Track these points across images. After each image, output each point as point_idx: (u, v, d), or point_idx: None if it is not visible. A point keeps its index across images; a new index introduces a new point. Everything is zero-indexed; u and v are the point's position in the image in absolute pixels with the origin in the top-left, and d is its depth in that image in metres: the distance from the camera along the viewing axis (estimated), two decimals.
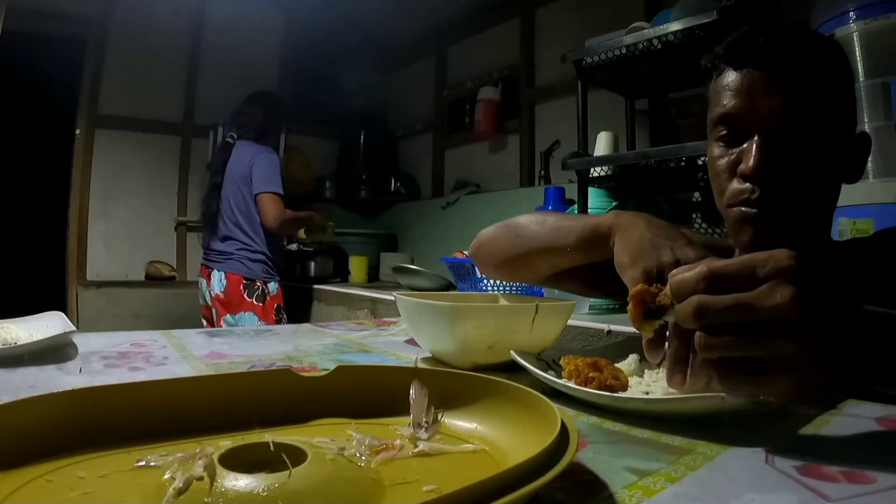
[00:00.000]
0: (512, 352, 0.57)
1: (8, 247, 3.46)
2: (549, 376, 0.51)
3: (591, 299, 1.49)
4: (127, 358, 0.68)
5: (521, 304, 0.65)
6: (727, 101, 0.62)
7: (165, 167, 3.13)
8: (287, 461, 0.29)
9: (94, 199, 2.94)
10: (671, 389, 0.48)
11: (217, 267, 2.21)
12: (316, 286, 2.73)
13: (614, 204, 1.79)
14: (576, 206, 1.79)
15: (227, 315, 2.17)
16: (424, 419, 0.40)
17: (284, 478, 0.28)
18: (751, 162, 0.59)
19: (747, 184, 0.60)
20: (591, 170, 1.77)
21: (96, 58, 2.92)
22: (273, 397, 0.41)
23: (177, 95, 3.16)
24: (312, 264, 3.00)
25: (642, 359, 0.56)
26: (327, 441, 0.35)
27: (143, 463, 0.32)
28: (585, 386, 0.48)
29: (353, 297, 2.40)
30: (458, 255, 2.17)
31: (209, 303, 2.25)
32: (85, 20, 2.89)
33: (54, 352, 0.67)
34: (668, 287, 0.39)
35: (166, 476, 0.29)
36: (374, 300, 2.24)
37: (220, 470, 0.28)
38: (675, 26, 1.48)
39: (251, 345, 0.80)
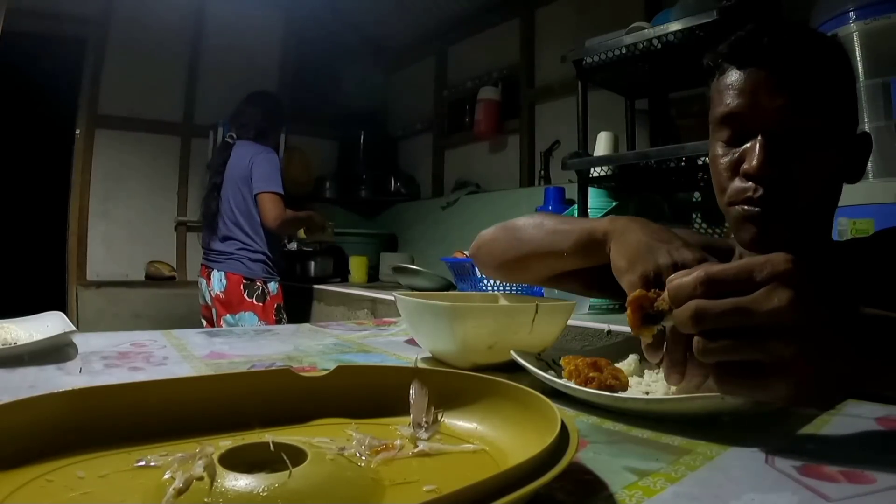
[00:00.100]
0: (512, 352, 0.57)
1: (8, 247, 3.46)
2: (549, 376, 0.51)
3: (591, 299, 1.49)
4: (127, 358, 0.68)
5: (521, 304, 0.65)
6: (730, 101, 0.62)
7: (165, 167, 3.13)
8: (287, 461, 0.29)
9: (94, 199, 2.94)
10: (671, 390, 0.48)
11: (217, 267, 2.21)
12: (316, 286, 2.73)
13: (614, 204, 1.79)
14: (576, 206, 1.79)
15: (227, 315, 2.17)
16: (424, 419, 0.40)
17: (284, 478, 0.28)
18: (754, 161, 0.59)
19: (750, 183, 0.60)
20: (591, 170, 1.77)
21: (96, 58, 2.92)
22: (273, 397, 0.41)
23: (177, 95, 3.16)
24: (312, 264, 3.00)
25: (642, 359, 0.56)
26: (327, 441, 0.35)
27: (143, 463, 0.32)
28: (585, 386, 0.48)
29: (353, 297, 2.40)
30: (458, 255, 2.17)
31: (209, 303, 2.25)
32: (85, 20, 2.89)
33: (54, 352, 0.67)
34: (665, 292, 0.39)
35: (166, 476, 0.29)
36: (374, 300, 2.24)
37: (220, 470, 0.28)
38: (675, 26, 1.48)
39: (251, 345, 0.80)
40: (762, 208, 0.60)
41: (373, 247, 3.28)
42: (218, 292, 2.18)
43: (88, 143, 2.91)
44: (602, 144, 1.84)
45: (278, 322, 2.19)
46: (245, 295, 2.16)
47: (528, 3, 2.77)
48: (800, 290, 0.34)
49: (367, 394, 0.42)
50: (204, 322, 2.32)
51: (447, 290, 2.32)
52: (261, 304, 2.18)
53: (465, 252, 2.18)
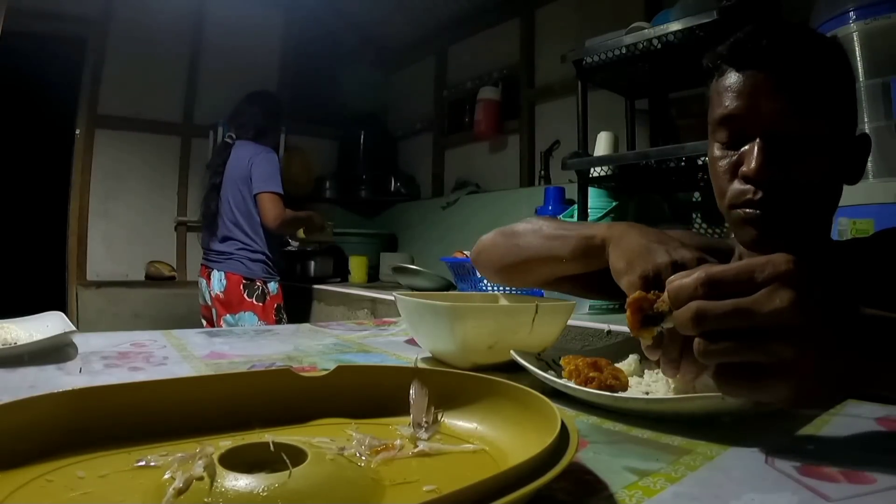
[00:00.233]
0: (512, 352, 0.57)
1: (8, 247, 3.46)
2: (549, 376, 0.51)
3: (591, 300, 1.49)
4: (127, 358, 0.68)
5: (521, 305, 0.65)
6: (729, 102, 0.62)
7: (165, 167, 3.13)
8: (287, 461, 0.29)
9: (94, 199, 2.94)
10: (671, 390, 0.48)
11: (217, 267, 2.21)
12: (316, 286, 2.73)
13: (614, 204, 1.79)
14: (576, 206, 1.79)
15: (227, 315, 2.17)
16: (424, 419, 0.40)
17: (284, 478, 0.28)
18: (753, 164, 0.59)
19: (748, 185, 0.60)
20: (591, 170, 1.77)
21: (96, 58, 2.92)
22: (273, 397, 0.41)
23: (177, 95, 3.16)
24: (312, 264, 3.00)
25: (642, 359, 0.56)
26: (327, 441, 0.35)
27: (143, 463, 0.32)
28: (585, 386, 0.48)
29: (353, 297, 2.40)
30: (458, 255, 2.17)
31: (209, 303, 2.25)
32: (85, 20, 2.89)
33: (54, 352, 0.67)
34: (665, 294, 0.39)
35: (166, 476, 0.29)
36: (374, 300, 2.24)
37: (220, 470, 0.28)
38: (675, 26, 1.48)
39: (251, 345, 0.80)
40: (762, 211, 0.60)
41: (373, 247, 3.28)
42: (218, 292, 2.18)
43: (88, 143, 2.91)
44: (602, 144, 1.84)
45: (278, 322, 2.19)
46: (245, 295, 2.16)
47: (528, 3, 2.77)
48: (801, 290, 0.34)
49: (367, 394, 0.42)
50: (204, 322, 2.32)
51: (447, 290, 2.32)
52: (261, 304, 2.18)
53: (465, 252, 2.18)
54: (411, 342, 0.86)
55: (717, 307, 0.35)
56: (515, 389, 0.39)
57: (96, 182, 2.94)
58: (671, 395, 0.48)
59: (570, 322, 0.71)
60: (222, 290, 2.18)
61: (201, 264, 2.33)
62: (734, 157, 0.62)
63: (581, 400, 0.49)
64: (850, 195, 0.98)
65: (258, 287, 2.18)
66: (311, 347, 0.79)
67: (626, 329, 0.43)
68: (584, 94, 1.76)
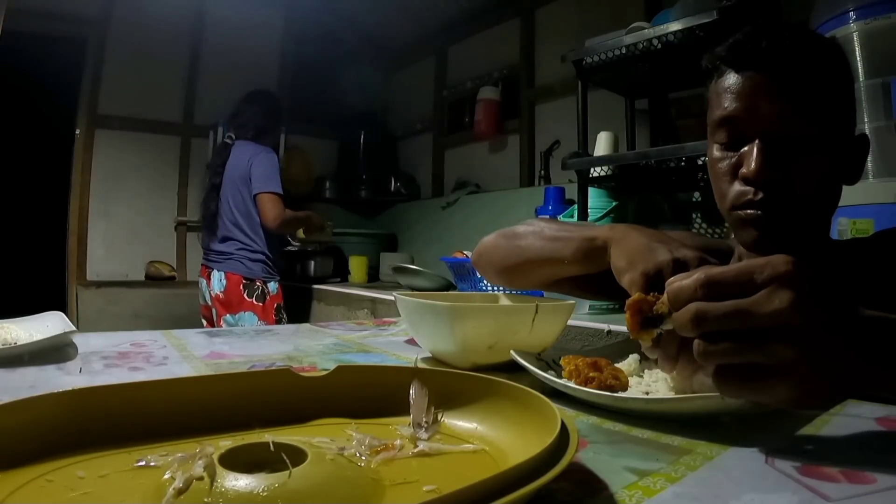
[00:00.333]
0: (512, 352, 0.57)
1: (8, 247, 3.46)
2: (549, 376, 0.51)
3: (591, 300, 1.49)
4: (127, 358, 0.68)
5: (521, 305, 0.65)
6: (728, 104, 0.62)
7: (165, 167, 3.13)
8: (287, 461, 0.29)
9: (94, 199, 2.94)
10: (671, 390, 0.48)
11: (217, 267, 2.21)
12: (316, 286, 2.73)
13: (614, 204, 1.79)
14: (576, 206, 1.79)
15: (227, 315, 2.17)
16: (424, 419, 0.40)
17: (284, 478, 0.28)
18: (752, 165, 0.59)
19: (748, 187, 0.60)
20: (591, 170, 1.77)
21: (96, 58, 2.92)
22: (273, 397, 0.41)
23: (177, 95, 3.16)
24: (312, 264, 3.00)
25: (642, 359, 0.56)
26: (327, 441, 0.35)
27: (143, 463, 0.32)
28: (585, 386, 0.48)
29: (353, 297, 2.40)
30: (458, 255, 2.17)
31: (209, 303, 2.25)
32: (85, 20, 2.89)
33: (54, 352, 0.67)
34: (665, 295, 0.39)
35: (166, 476, 0.29)
36: (374, 300, 2.24)
37: (220, 470, 0.28)
38: (675, 26, 1.48)
39: (251, 345, 0.80)
40: (762, 212, 0.60)
41: (373, 247, 3.28)
42: (218, 292, 2.18)
43: (88, 143, 2.91)
44: (602, 144, 1.84)
45: (278, 322, 2.19)
46: (245, 295, 2.16)
47: (528, 3, 2.77)
48: (800, 291, 0.34)
49: (367, 394, 0.42)
50: (204, 322, 2.32)
51: (447, 290, 2.32)
52: (261, 304, 2.18)
53: (464, 252, 2.18)
54: (411, 342, 0.86)
55: (717, 308, 0.35)
56: (515, 389, 0.39)
57: (96, 182, 2.94)
58: (671, 395, 0.48)
59: (570, 322, 0.71)
60: (222, 289, 2.18)
61: (201, 264, 2.33)
62: (734, 159, 0.62)
63: (581, 400, 0.49)
64: (850, 195, 0.98)
65: (258, 287, 2.18)
66: (311, 347, 0.79)
67: (626, 329, 0.43)
68: (584, 94, 1.76)
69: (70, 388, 0.35)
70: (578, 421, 0.46)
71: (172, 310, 2.94)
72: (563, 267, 0.70)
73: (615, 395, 0.47)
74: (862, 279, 0.62)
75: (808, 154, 0.59)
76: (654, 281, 0.53)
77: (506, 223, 0.84)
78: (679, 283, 0.38)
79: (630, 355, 0.57)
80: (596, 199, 1.79)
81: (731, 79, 0.62)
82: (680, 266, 0.53)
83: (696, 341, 0.36)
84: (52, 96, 3.09)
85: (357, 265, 2.99)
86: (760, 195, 0.60)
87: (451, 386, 0.42)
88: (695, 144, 1.45)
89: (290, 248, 2.84)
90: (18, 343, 0.68)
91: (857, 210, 1.18)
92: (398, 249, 3.49)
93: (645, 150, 1.71)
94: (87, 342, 0.76)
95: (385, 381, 0.43)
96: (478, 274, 1.98)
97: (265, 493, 0.26)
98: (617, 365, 0.54)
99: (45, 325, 0.78)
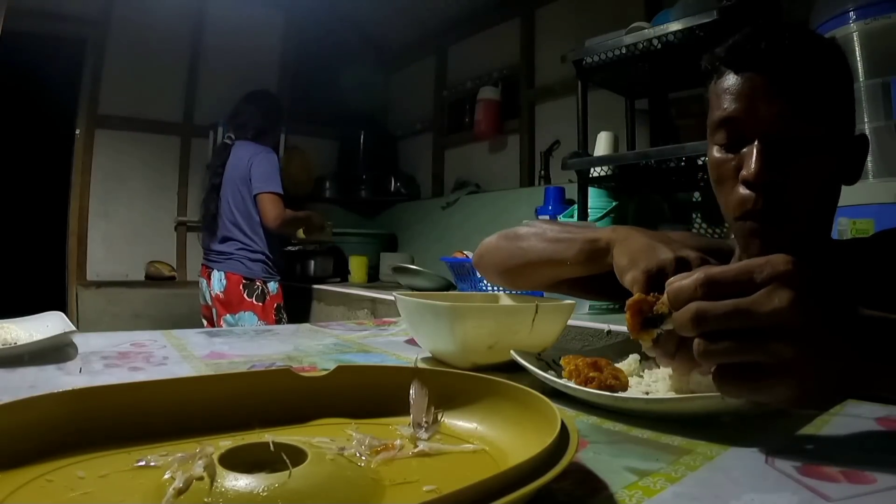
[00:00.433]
0: (512, 352, 0.57)
1: (8, 247, 3.46)
2: (549, 376, 0.51)
3: (592, 300, 1.49)
4: (127, 358, 0.68)
5: (521, 305, 0.65)
6: (728, 105, 0.61)
7: (165, 167, 3.13)
8: (287, 461, 0.29)
9: (94, 199, 2.93)
10: (671, 390, 0.48)
11: (217, 267, 2.21)
12: (316, 286, 2.73)
13: (614, 204, 1.79)
14: (576, 206, 1.79)
15: (227, 315, 2.17)
16: (424, 419, 0.40)
17: (284, 478, 0.28)
18: (752, 167, 0.59)
19: (749, 191, 0.60)
20: (591, 170, 1.77)
21: (96, 58, 2.92)
22: (273, 397, 0.41)
23: (177, 95, 3.15)
24: (312, 264, 3.00)
25: (642, 359, 0.56)
26: (327, 441, 0.35)
27: (143, 463, 0.32)
28: (585, 386, 0.48)
29: (352, 297, 2.40)
30: (458, 255, 2.17)
31: (210, 303, 2.25)
32: (85, 20, 2.89)
33: (54, 352, 0.67)
34: (665, 295, 0.39)
35: (166, 476, 0.29)
36: (374, 300, 2.24)
37: (220, 470, 0.28)
38: (675, 26, 1.48)
39: (251, 345, 0.80)
40: (764, 223, 0.60)
41: (373, 247, 3.28)
42: (218, 292, 2.18)
43: (88, 143, 2.91)
44: (602, 144, 1.84)
45: (278, 322, 2.19)
46: (245, 295, 2.16)
47: (528, 3, 2.76)
48: (800, 290, 0.34)
49: (367, 394, 0.42)
50: (205, 322, 2.32)
51: (447, 290, 2.32)
52: (260, 303, 2.18)
53: (465, 252, 2.18)
54: (411, 342, 0.86)
55: (717, 308, 0.35)
56: (515, 389, 0.39)
57: (96, 182, 2.94)
58: (671, 395, 0.48)
59: (570, 322, 0.71)
60: (222, 289, 2.18)
61: (202, 264, 2.33)
62: (734, 161, 0.62)
63: (581, 400, 0.49)
64: (850, 195, 0.98)
65: (258, 287, 2.18)
66: (311, 347, 0.79)
67: (626, 329, 0.43)
68: (584, 94, 1.76)
69: (70, 388, 0.35)
70: (578, 421, 0.46)
71: (172, 310, 2.94)
72: (566, 268, 0.70)
73: (615, 395, 0.47)
74: (862, 279, 0.62)
75: (809, 155, 0.59)
76: (655, 279, 0.53)
77: (506, 223, 0.85)
78: (679, 282, 0.38)
79: (630, 355, 0.57)
80: (596, 199, 1.79)
81: (731, 80, 0.62)
82: (682, 264, 0.53)
83: (696, 341, 0.36)
84: (52, 96, 3.09)
85: (357, 265, 2.99)
86: (761, 203, 0.60)
87: (451, 386, 0.42)
88: (695, 144, 1.45)
89: (288, 248, 2.84)
90: (18, 343, 0.68)
91: (857, 210, 1.18)
92: (398, 249, 3.49)
93: (645, 150, 1.71)
94: (87, 342, 0.76)
95: (385, 381, 0.43)
96: (478, 274, 1.98)
97: (265, 493, 0.26)
98: (617, 365, 0.54)
99: (45, 325, 0.78)
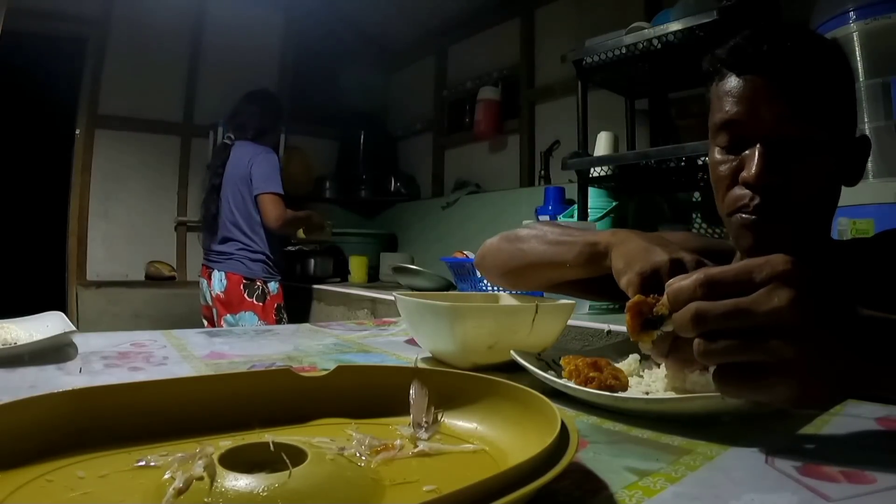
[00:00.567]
0: (512, 352, 0.57)
1: (8, 247, 3.46)
2: (549, 376, 0.51)
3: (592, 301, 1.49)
4: (127, 358, 0.68)
5: (521, 305, 0.65)
6: (729, 107, 0.62)
7: (165, 167, 3.13)
8: (287, 461, 0.29)
9: (94, 200, 2.93)
10: (671, 390, 0.48)
11: (217, 267, 2.21)
12: (316, 286, 2.73)
13: (614, 204, 1.79)
14: (576, 206, 1.79)
15: (228, 315, 2.17)
16: (424, 419, 0.40)
17: (284, 478, 0.28)
18: (753, 169, 0.59)
19: (747, 191, 0.60)
20: (591, 170, 1.77)
21: (96, 58, 2.92)
22: (273, 397, 0.41)
23: (177, 95, 3.15)
24: (312, 264, 3.00)
25: (642, 359, 0.56)
26: (327, 441, 0.35)
27: (143, 463, 0.32)
28: (585, 386, 0.48)
29: (353, 297, 2.40)
30: (458, 255, 2.17)
31: (210, 303, 2.25)
32: (85, 20, 2.89)
33: (54, 352, 0.67)
34: (664, 296, 0.39)
35: (166, 476, 0.29)
36: (374, 300, 2.24)
37: (220, 470, 0.28)
38: (675, 26, 1.48)
39: (251, 345, 0.80)
40: (760, 216, 0.60)
41: (373, 247, 3.28)
42: (218, 292, 2.18)
43: (88, 143, 2.91)
44: (602, 144, 1.84)
45: (278, 322, 2.19)
46: (245, 295, 2.16)
47: (528, 3, 2.76)
48: (799, 289, 0.34)
49: (367, 394, 0.42)
50: (205, 322, 2.32)
51: (447, 290, 2.32)
52: (261, 303, 2.18)
53: (465, 252, 2.18)
54: (411, 342, 0.86)
55: (717, 307, 0.35)
56: (515, 389, 0.39)
57: (96, 182, 2.94)
58: (671, 395, 0.48)
59: (570, 322, 0.71)
60: (223, 289, 2.18)
61: (202, 265, 2.33)
62: (734, 163, 0.62)
63: (581, 400, 0.49)
64: (851, 195, 0.98)
65: (258, 287, 2.18)
66: (311, 347, 0.79)
67: (626, 329, 0.43)
68: (584, 94, 1.76)
69: (70, 388, 0.35)
70: (578, 421, 0.46)
71: (172, 310, 2.94)
72: (566, 270, 0.71)
73: (615, 395, 0.47)
74: (862, 279, 0.62)
75: (810, 157, 0.59)
76: (650, 281, 0.53)
77: (506, 223, 0.85)
78: (679, 283, 0.38)
79: (630, 355, 0.57)
80: (596, 200, 1.79)
81: (732, 82, 0.62)
82: (677, 266, 0.53)
83: (696, 341, 0.36)
84: (52, 96, 3.09)
85: (357, 265, 2.99)
86: (757, 200, 0.60)
87: (451, 386, 0.42)
88: (695, 144, 1.45)
89: (288, 248, 2.84)
90: (18, 343, 0.68)
91: (857, 210, 1.18)
92: (398, 249, 3.49)
93: (645, 150, 1.71)
94: (87, 342, 0.76)
95: (385, 381, 0.43)
96: (478, 274, 1.98)
97: (265, 493, 0.26)
98: (617, 365, 0.54)
99: (45, 325, 0.78)
